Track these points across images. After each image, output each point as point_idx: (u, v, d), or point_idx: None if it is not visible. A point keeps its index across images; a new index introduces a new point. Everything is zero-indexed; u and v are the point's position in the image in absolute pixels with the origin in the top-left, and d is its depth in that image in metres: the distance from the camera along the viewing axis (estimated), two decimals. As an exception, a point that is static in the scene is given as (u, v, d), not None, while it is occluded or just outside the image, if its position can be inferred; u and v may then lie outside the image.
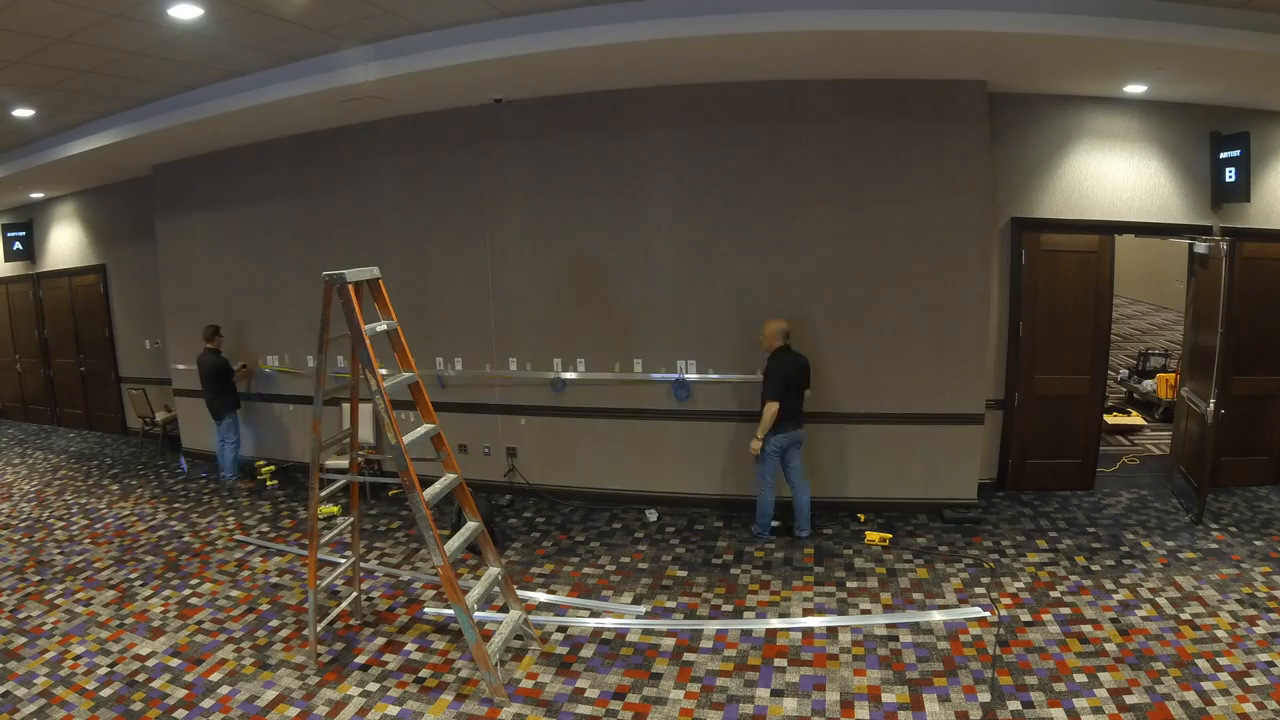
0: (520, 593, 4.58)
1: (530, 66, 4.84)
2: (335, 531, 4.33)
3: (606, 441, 6.11)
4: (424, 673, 3.86)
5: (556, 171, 5.91)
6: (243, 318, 7.24)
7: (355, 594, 4.39)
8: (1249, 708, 3.29)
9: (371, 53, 4.87)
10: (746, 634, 4.10)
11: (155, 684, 3.80)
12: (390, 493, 6.49)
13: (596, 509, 6.02)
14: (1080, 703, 3.39)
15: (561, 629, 4.24)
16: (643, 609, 4.42)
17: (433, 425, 3.97)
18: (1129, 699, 3.40)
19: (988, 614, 4.18)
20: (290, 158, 6.71)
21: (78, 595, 4.81)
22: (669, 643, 4.06)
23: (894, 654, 3.86)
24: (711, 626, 4.19)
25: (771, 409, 5.03)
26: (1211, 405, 5.17)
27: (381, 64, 4.88)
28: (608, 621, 4.29)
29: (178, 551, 5.48)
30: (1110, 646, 3.82)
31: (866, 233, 5.48)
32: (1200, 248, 5.64)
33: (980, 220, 5.42)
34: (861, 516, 5.58)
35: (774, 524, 5.37)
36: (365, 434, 6.39)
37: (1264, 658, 3.65)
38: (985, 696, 3.48)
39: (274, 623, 4.39)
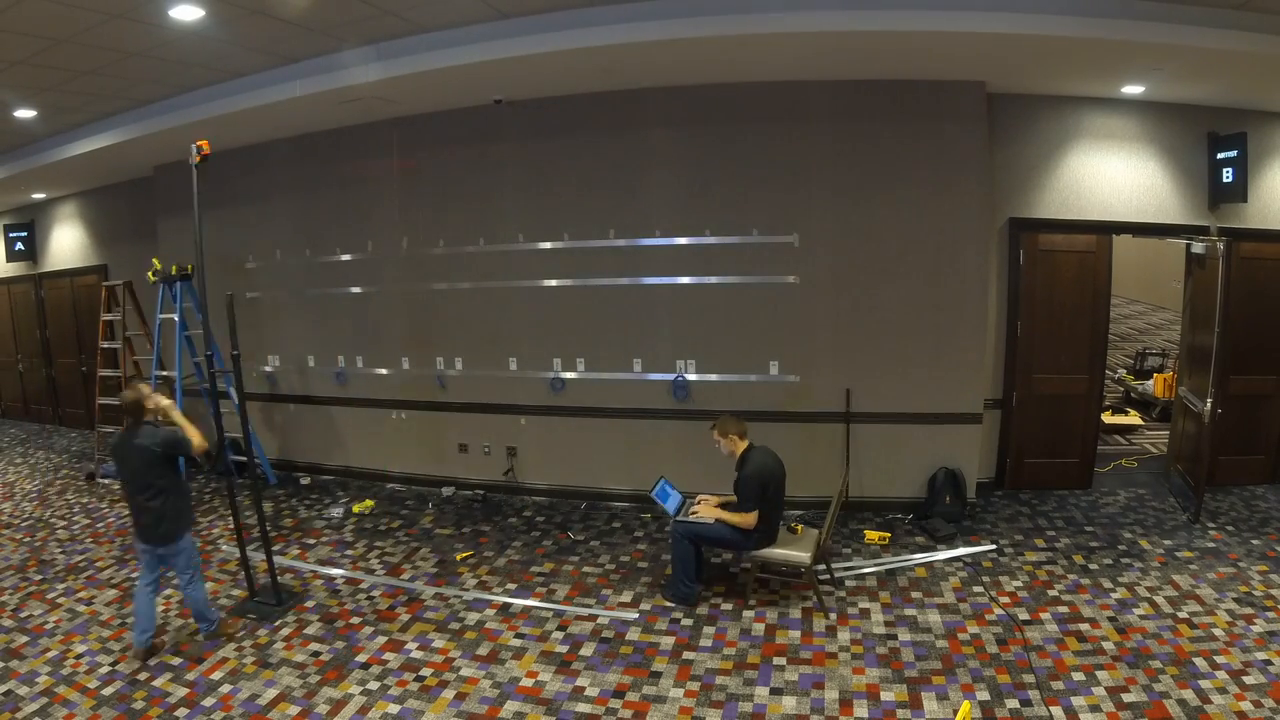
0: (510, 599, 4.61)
1: (530, 67, 4.85)
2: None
3: (606, 441, 6.13)
4: (424, 671, 3.87)
5: (556, 172, 5.92)
6: (242, 318, 7.24)
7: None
8: (1246, 706, 3.31)
9: (372, 53, 4.88)
10: (745, 633, 4.12)
11: (157, 683, 3.81)
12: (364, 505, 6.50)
13: (596, 508, 6.05)
14: (1078, 701, 3.41)
15: (561, 628, 4.26)
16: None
17: None
18: (1127, 697, 3.42)
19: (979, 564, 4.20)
20: (291, 158, 6.73)
21: (79, 594, 4.82)
22: (669, 641, 4.07)
23: (893, 652, 3.88)
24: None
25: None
26: (1208, 405, 5.19)
27: (382, 64, 4.89)
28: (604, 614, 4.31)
29: (179, 551, 5.49)
30: (1108, 645, 3.83)
31: (865, 232, 5.50)
32: (1197, 248, 5.66)
33: (978, 220, 5.44)
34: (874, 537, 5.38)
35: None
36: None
37: (1261, 656, 3.67)
38: (984, 695, 3.50)
39: (275, 621, 4.41)
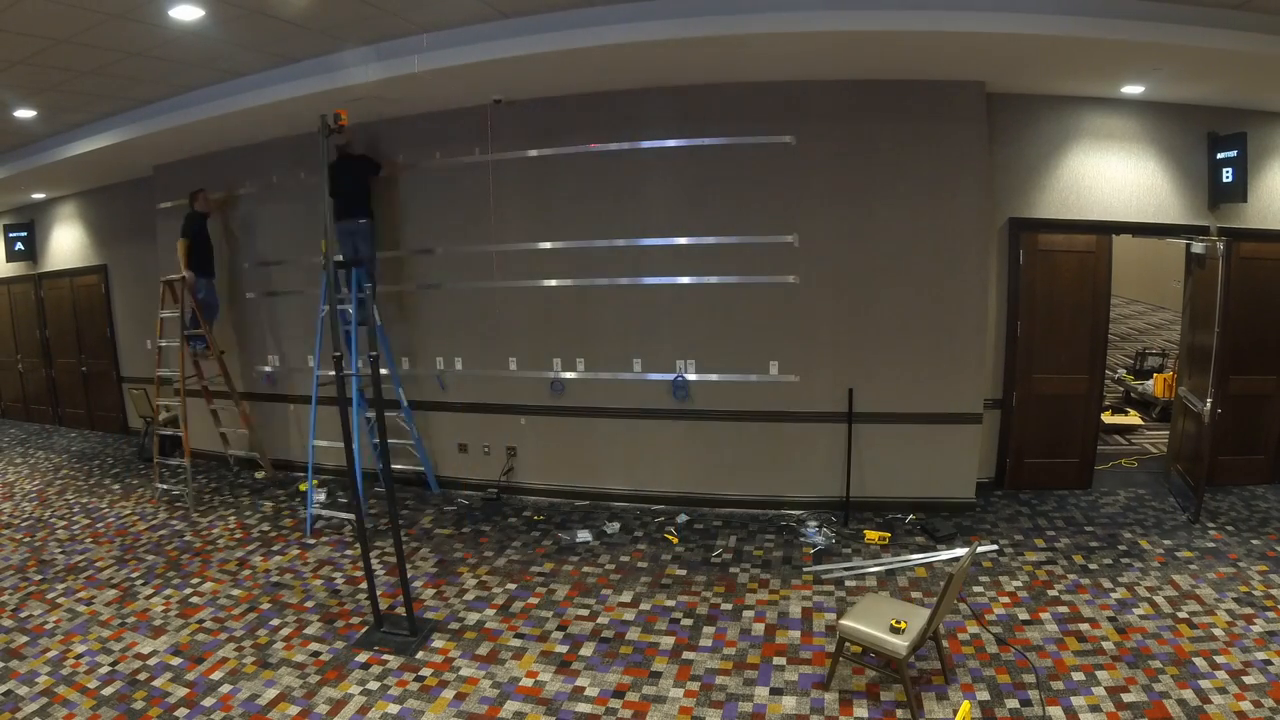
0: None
1: (530, 67, 4.85)
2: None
3: (606, 441, 6.13)
4: (424, 671, 3.87)
5: (556, 172, 5.92)
6: (243, 318, 7.26)
7: None
8: (1246, 706, 3.31)
9: (371, 53, 4.88)
10: (745, 633, 4.12)
11: (157, 683, 3.81)
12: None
13: (596, 508, 6.04)
14: (1078, 701, 3.41)
15: (561, 628, 4.26)
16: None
17: None
18: (1126, 697, 3.42)
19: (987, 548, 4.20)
20: (290, 158, 6.72)
21: (79, 594, 4.82)
22: (668, 641, 4.08)
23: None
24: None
25: None
26: (1208, 404, 5.19)
27: (381, 64, 4.90)
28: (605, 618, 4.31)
29: (179, 550, 5.49)
30: (1108, 645, 3.84)
31: (865, 233, 5.50)
32: (1197, 248, 5.66)
33: (978, 220, 5.44)
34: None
35: None
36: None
37: (1261, 656, 3.67)
38: (984, 695, 3.50)
39: (275, 621, 4.41)
